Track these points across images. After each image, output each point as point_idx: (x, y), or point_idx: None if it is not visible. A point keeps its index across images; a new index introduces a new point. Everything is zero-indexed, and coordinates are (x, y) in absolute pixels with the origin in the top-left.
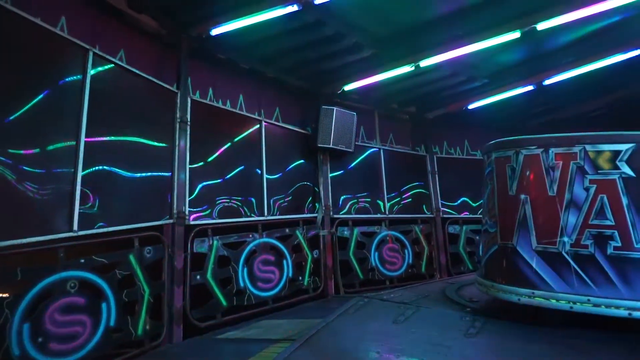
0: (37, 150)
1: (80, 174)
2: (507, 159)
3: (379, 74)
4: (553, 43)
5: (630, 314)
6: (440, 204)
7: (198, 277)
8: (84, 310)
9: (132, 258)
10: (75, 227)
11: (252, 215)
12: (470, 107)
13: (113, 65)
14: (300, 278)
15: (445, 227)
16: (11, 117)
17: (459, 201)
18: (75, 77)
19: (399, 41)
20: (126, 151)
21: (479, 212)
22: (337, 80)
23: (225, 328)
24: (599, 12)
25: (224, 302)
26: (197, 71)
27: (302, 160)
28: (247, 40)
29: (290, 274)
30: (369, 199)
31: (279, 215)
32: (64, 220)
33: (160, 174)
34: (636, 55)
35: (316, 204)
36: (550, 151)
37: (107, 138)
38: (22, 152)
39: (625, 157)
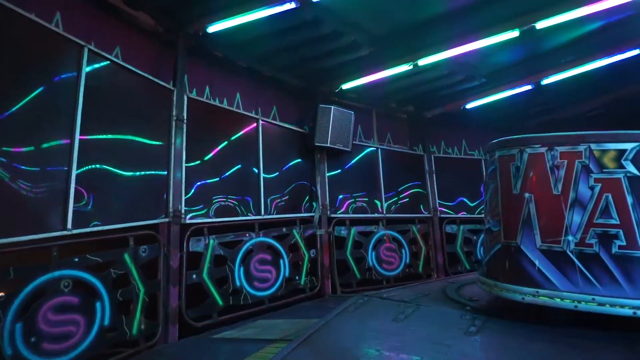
0: (32, 148)
1: (74, 172)
2: (511, 158)
3: (377, 72)
4: (551, 42)
5: (635, 313)
6: (437, 204)
7: (194, 276)
8: (77, 310)
9: (127, 257)
10: (69, 225)
11: (249, 214)
12: (468, 106)
13: (109, 62)
14: (297, 277)
15: (442, 226)
16: (5, 114)
17: (456, 201)
18: (70, 74)
19: (398, 40)
20: (121, 149)
21: (477, 211)
22: (335, 79)
23: (221, 328)
24: (598, 12)
25: (220, 302)
26: (194, 69)
27: (299, 159)
28: (244, 38)
29: (287, 274)
30: (366, 199)
31: (276, 214)
32: (58, 219)
33: (156, 172)
34: (634, 55)
35: (313, 203)
36: (555, 150)
37: (103, 136)
38: (16, 150)
39: (631, 156)
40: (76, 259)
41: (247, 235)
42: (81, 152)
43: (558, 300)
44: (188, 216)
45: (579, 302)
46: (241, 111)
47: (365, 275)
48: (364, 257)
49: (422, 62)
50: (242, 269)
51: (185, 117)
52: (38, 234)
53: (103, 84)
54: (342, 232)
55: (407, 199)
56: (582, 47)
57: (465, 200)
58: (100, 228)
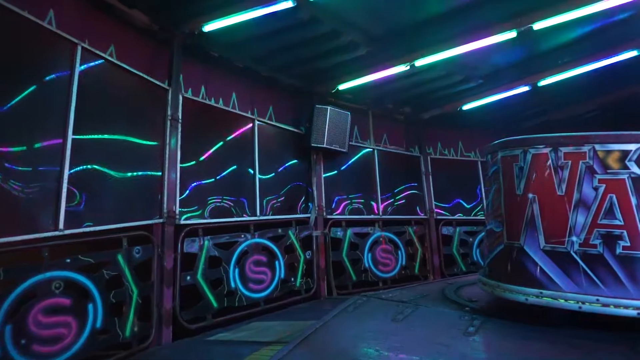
0: (24, 147)
1: (66, 172)
2: (515, 158)
3: (374, 73)
4: (549, 44)
5: (639, 314)
6: (434, 205)
7: (188, 277)
8: (69, 312)
9: (120, 258)
10: (61, 225)
11: (244, 215)
12: (465, 107)
13: (103, 60)
14: (292, 279)
15: (439, 228)
16: None
17: (452, 203)
18: (63, 73)
19: (395, 40)
20: (115, 149)
21: (473, 213)
22: (332, 79)
23: (215, 330)
24: (595, 13)
25: (215, 304)
26: (190, 68)
27: (295, 160)
28: (240, 37)
29: (282, 275)
30: (362, 200)
31: (271, 215)
32: (50, 219)
33: (150, 173)
34: (630, 57)
35: (309, 204)
36: (559, 150)
37: (96, 136)
38: (7, 149)
39: (635, 157)
40: (68, 260)
41: (243, 236)
42: (74, 152)
43: (562, 301)
44: (183, 217)
45: (583, 303)
46: (237, 111)
47: (361, 276)
48: (360, 258)
49: (419, 62)
50: (237, 270)
51: (180, 117)
52: (29, 235)
53: (97, 83)
54: (338, 233)
55: (404, 201)
56: (579, 49)
57: (462, 202)
58: (92, 228)
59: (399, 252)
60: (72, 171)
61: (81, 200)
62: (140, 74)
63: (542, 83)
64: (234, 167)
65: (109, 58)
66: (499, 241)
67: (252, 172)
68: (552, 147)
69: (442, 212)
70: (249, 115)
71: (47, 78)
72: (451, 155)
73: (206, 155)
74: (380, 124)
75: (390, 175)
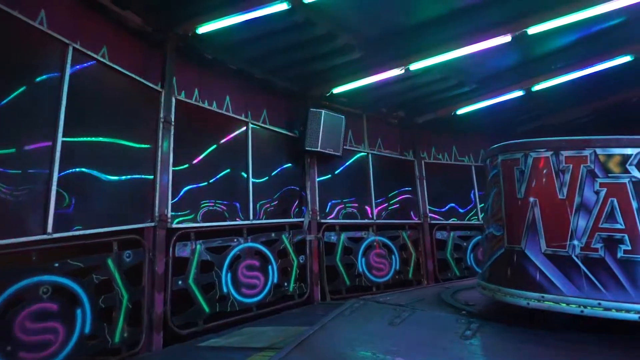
0: (13, 150)
1: (56, 175)
2: (515, 162)
3: (369, 76)
4: (543, 48)
5: None
6: (428, 210)
7: (180, 282)
8: (56, 317)
9: (110, 262)
10: (49, 229)
11: (237, 219)
12: (459, 112)
13: (95, 61)
14: (285, 284)
15: (432, 233)
16: None
17: (446, 207)
18: (53, 74)
19: (389, 43)
20: (106, 152)
21: (467, 218)
22: (326, 83)
23: (207, 335)
24: (589, 18)
25: (207, 309)
26: (183, 70)
27: (289, 164)
28: (234, 39)
29: (275, 280)
30: (356, 204)
31: (265, 219)
32: (38, 223)
33: (142, 176)
34: (623, 62)
35: (303, 208)
36: (560, 154)
37: (87, 138)
38: None
39: (635, 161)
40: (56, 264)
41: (235, 240)
42: (64, 155)
43: (564, 305)
44: (175, 221)
45: (585, 307)
46: (231, 114)
47: (355, 281)
48: (354, 263)
49: (413, 66)
50: (229, 275)
51: (173, 120)
52: (17, 238)
53: (88, 85)
54: (332, 237)
55: (398, 205)
56: (573, 54)
57: (456, 206)
58: (82, 232)
59: (393, 257)
60: (61, 174)
61: (70, 203)
62: (133, 75)
63: (536, 88)
64: (227, 170)
65: (101, 59)
66: (500, 245)
67: (245, 175)
68: (553, 150)
69: (436, 216)
70: (242, 118)
71: (38, 79)
72: (445, 160)
73: (199, 158)
74: (374, 128)
75: (385, 180)
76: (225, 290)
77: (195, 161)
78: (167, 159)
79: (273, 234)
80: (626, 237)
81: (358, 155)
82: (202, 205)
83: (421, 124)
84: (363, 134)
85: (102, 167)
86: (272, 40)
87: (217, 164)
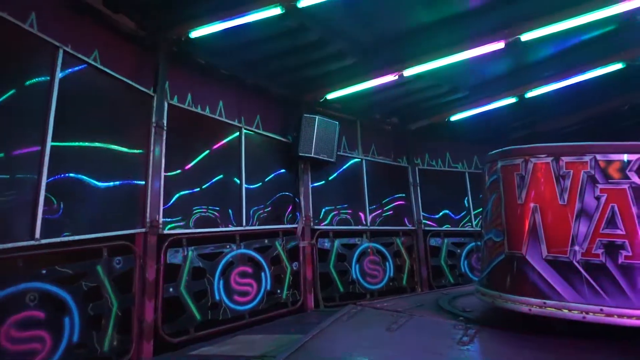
0: (1, 155)
1: (44, 180)
2: (515, 167)
3: (362, 82)
4: (536, 55)
5: None
6: (421, 216)
7: (171, 289)
8: (44, 325)
9: (99, 269)
10: (37, 235)
11: (230, 225)
12: (453, 118)
13: (86, 65)
14: (278, 291)
15: (426, 239)
16: None
17: (440, 214)
18: (43, 77)
19: (383, 50)
20: (97, 157)
21: (461, 225)
22: (320, 89)
23: (199, 343)
24: (581, 25)
25: (198, 316)
26: (176, 75)
27: (282, 170)
28: (228, 44)
29: (268, 287)
30: (350, 211)
31: (258, 225)
32: (26, 228)
33: (133, 181)
34: (615, 70)
35: (296, 214)
36: (560, 160)
37: (77, 143)
38: None
39: (635, 167)
40: (44, 271)
41: (228, 246)
42: (53, 160)
43: (566, 311)
44: (167, 227)
45: (587, 312)
46: (224, 119)
47: (349, 288)
48: (348, 270)
49: (407, 72)
50: (221, 282)
51: (165, 125)
52: (3, 244)
53: (79, 89)
54: (326, 244)
55: (391, 211)
56: (565, 61)
57: (449, 213)
58: (71, 238)
59: (387, 264)
60: (50, 179)
61: (59, 209)
62: (125, 79)
63: (529, 95)
64: (220, 176)
65: (93, 63)
66: (500, 251)
67: (238, 181)
68: (554, 156)
69: (429, 223)
70: (236, 123)
71: (28, 83)
72: (439, 167)
73: (192, 164)
74: (368, 134)
75: (379, 186)
76: (217, 297)
77: (187, 167)
78: (159, 165)
79: (266, 241)
80: (627, 243)
81: (352, 161)
82: (195, 212)
83: (415, 130)
84: (357, 140)
85: (93, 172)
86: (266, 46)
87: (209, 169)
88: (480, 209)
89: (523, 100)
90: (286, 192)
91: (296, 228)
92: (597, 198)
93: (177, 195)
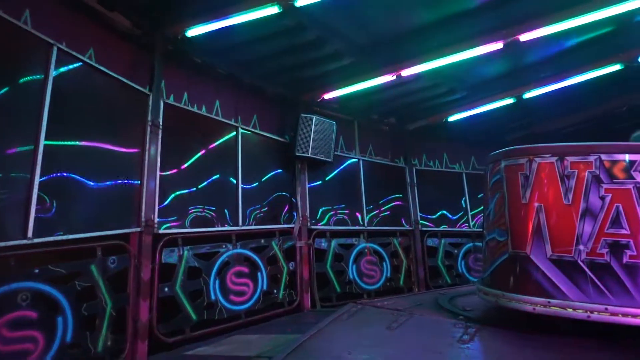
0: None
1: (37, 179)
2: (520, 167)
3: (360, 82)
4: (534, 56)
5: None
6: (419, 217)
7: (166, 289)
8: (36, 325)
9: (93, 268)
10: (30, 234)
11: (226, 225)
12: (451, 119)
13: (81, 63)
14: (275, 291)
15: (424, 240)
16: None
17: (437, 214)
18: (37, 75)
19: (381, 50)
20: (91, 156)
21: (458, 225)
22: (317, 88)
23: (194, 344)
24: (580, 26)
25: (194, 316)
26: (172, 74)
27: (279, 170)
28: (225, 43)
29: (264, 287)
30: (347, 211)
31: (254, 225)
32: (18, 227)
33: (128, 181)
34: (612, 71)
35: (293, 214)
36: (565, 160)
37: (71, 142)
38: None
39: None
40: (37, 271)
41: (224, 246)
42: (47, 159)
43: (570, 310)
44: (162, 227)
45: (592, 312)
46: (220, 119)
47: (346, 288)
48: (345, 270)
49: (405, 73)
50: (217, 281)
51: (161, 123)
52: None
53: (74, 87)
54: (323, 244)
55: (389, 212)
56: (563, 62)
57: (447, 213)
58: (64, 237)
59: (384, 264)
60: (44, 178)
61: (52, 208)
62: (121, 78)
63: (527, 95)
64: (217, 176)
65: (88, 60)
66: (503, 250)
67: (234, 181)
68: (559, 156)
69: (427, 223)
70: (232, 123)
71: (22, 80)
72: (436, 167)
73: (188, 163)
74: (365, 135)
75: (376, 186)
76: (213, 297)
77: (183, 166)
78: (155, 164)
79: (262, 240)
80: (631, 242)
81: (349, 161)
82: (190, 211)
83: (412, 130)
84: (354, 140)
85: (87, 171)
86: (263, 45)
87: (206, 169)
88: (477, 210)
89: (521, 101)
90: (283, 192)
91: (293, 228)
92: (602, 198)
93: (173, 195)
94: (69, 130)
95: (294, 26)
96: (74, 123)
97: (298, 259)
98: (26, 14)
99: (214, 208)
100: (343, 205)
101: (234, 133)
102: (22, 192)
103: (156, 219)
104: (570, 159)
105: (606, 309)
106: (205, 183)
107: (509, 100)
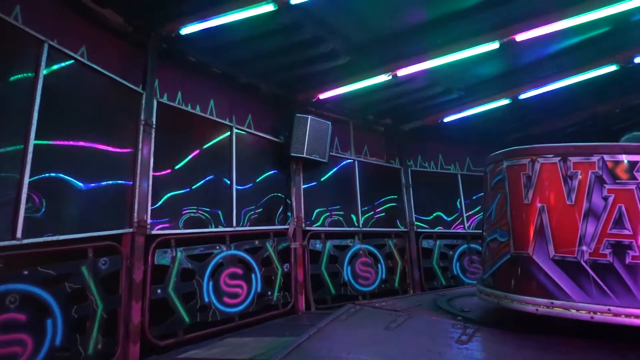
0: None
1: (26, 179)
2: (522, 167)
3: (356, 82)
4: (530, 56)
5: None
6: (414, 218)
7: (159, 291)
8: (24, 328)
9: (84, 270)
10: (19, 234)
11: (220, 226)
12: (446, 120)
13: (73, 61)
14: (269, 293)
15: (419, 241)
16: None
17: (432, 215)
18: (27, 72)
19: (376, 49)
20: (83, 156)
21: (453, 226)
22: (313, 88)
23: (187, 346)
24: (576, 26)
25: (187, 319)
26: (166, 73)
27: (274, 170)
28: (219, 42)
29: (259, 289)
30: (342, 212)
31: (248, 226)
32: (7, 228)
33: (120, 181)
34: (609, 72)
35: (288, 214)
36: (568, 160)
37: (62, 142)
38: None
39: None
40: (25, 272)
41: (218, 247)
42: (37, 159)
43: (574, 311)
44: (155, 227)
45: (595, 312)
46: (215, 118)
47: (341, 290)
48: (339, 271)
49: (400, 72)
50: (211, 283)
51: (154, 123)
52: None
53: (65, 85)
54: (317, 245)
55: (384, 213)
56: (559, 62)
57: (442, 214)
58: (54, 238)
59: (379, 266)
60: (34, 178)
61: (41, 207)
62: (113, 76)
63: (523, 96)
64: (211, 176)
65: (80, 58)
66: (505, 251)
67: (229, 182)
68: (561, 156)
69: (422, 225)
70: (227, 122)
71: (12, 78)
72: (431, 168)
73: (181, 163)
74: (361, 135)
75: (371, 187)
76: (206, 299)
77: (177, 166)
78: (148, 164)
79: (257, 242)
80: (634, 243)
81: (344, 162)
82: (184, 212)
83: (408, 131)
84: (350, 140)
85: (78, 171)
86: (258, 44)
87: (200, 169)
88: (473, 211)
89: (516, 102)
90: (278, 193)
91: (287, 229)
92: (605, 198)
93: (166, 196)
94: (60, 130)
95: (290, 24)
96: (65, 122)
97: (293, 261)
98: (17, 10)
99: (208, 209)
100: (338, 207)
101: (229, 133)
102: (11, 192)
103: (149, 220)
104: (573, 159)
105: (609, 309)
106: (199, 184)
107: (505, 101)
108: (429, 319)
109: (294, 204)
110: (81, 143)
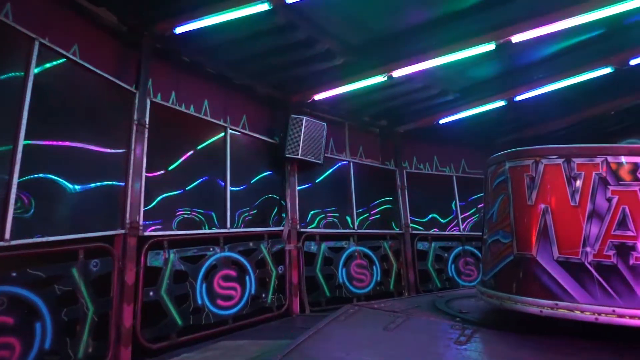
0: None
1: (16, 179)
2: (525, 168)
3: (351, 83)
4: (526, 58)
5: None
6: (409, 220)
7: (151, 293)
8: (13, 331)
9: (75, 272)
10: (7, 235)
11: (214, 228)
12: (441, 121)
13: (64, 59)
14: (263, 295)
15: (414, 243)
16: None
17: (428, 217)
18: (17, 71)
19: (372, 50)
20: (74, 156)
21: (448, 228)
22: (308, 89)
23: (180, 350)
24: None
25: (180, 321)
26: (160, 73)
27: (269, 172)
28: (214, 42)
29: (253, 291)
30: (337, 214)
31: (242, 227)
32: None
33: (112, 182)
34: (604, 74)
35: (282, 215)
36: (572, 161)
37: (53, 142)
38: None
39: None
40: (14, 274)
41: (211, 249)
42: (27, 159)
43: (578, 312)
44: (148, 229)
45: (599, 314)
46: (209, 118)
47: (335, 292)
48: (334, 274)
49: (396, 74)
50: (204, 285)
51: (147, 123)
52: None
53: (57, 84)
54: (312, 247)
55: (379, 215)
56: (555, 64)
57: (437, 216)
58: (44, 239)
59: (374, 268)
60: (23, 179)
61: (32, 209)
62: (106, 75)
63: (519, 98)
64: (205, 178)
65: (72, 57)
66: (508, 252)
67: (223, 183)
68: (565, 157)
69: (417, 227)
70: (221, 123)
71: (1, 77)
72: (427, 170)
73: (175, 164)
74: (356, 137)
75: (366, 189)
76: (199, 301)
77: (170, 167)
78: (140, 164)
79: (251, 243)
80: (638, 244)
81: (339, 164)
82: (178, 214)
83: (403, 133)
84: (345, 142)
85: (69, 171)
86: (252, 44)
87: (193, 170)
88: (468, 213)
89: (512, 104)
90: (272, 194)
91: (282, 231)
92: (609, 200)
93: (159, 197)
94: (51, 130)
95: (285, 24)
96: (56, 122)
97: (287, 263)
98: (7, 7)
99: (201, 210)
100: (333, 208)
101: (223, 133)
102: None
103: (141, 221)
104: (577, 160)
105: (613, 310)
106: (193, 185)
107: (501, 103)
108: (427, 320)
109: (288, 205)
110: (73, 143)
